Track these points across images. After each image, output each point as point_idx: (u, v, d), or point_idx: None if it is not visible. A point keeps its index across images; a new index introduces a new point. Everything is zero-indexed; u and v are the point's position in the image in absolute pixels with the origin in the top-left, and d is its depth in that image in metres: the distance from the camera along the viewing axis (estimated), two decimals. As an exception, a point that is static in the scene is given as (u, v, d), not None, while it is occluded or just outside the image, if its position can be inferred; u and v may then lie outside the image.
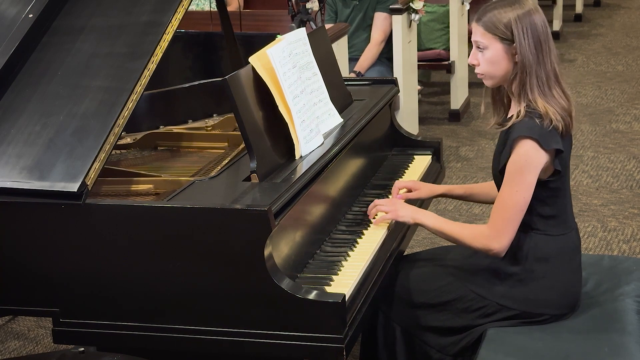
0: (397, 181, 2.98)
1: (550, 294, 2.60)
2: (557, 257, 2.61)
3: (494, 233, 2.53)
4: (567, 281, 2.63)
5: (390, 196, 2.94)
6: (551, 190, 2.57)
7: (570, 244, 2.65)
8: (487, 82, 2.61)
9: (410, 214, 2.68)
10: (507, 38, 2.51)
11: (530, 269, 2.59)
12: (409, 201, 2.88)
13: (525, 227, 2.58)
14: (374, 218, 2.74)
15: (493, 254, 2.55)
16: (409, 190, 2.93)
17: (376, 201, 2.74)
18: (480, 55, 2.57)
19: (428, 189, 2.95)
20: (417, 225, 2.73)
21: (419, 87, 6.15)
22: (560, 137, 2.52)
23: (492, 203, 2.89)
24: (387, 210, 2.69)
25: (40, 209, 2.36)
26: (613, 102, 6.78)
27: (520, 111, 2.52)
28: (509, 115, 2.60)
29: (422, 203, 3.02)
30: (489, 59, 2.55)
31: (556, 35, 8.88)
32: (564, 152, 2.53)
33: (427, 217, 2.67)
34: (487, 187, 2.92)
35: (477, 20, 2.56)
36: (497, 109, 2.68)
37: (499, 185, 2.60)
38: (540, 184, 2.54)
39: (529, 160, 2.48)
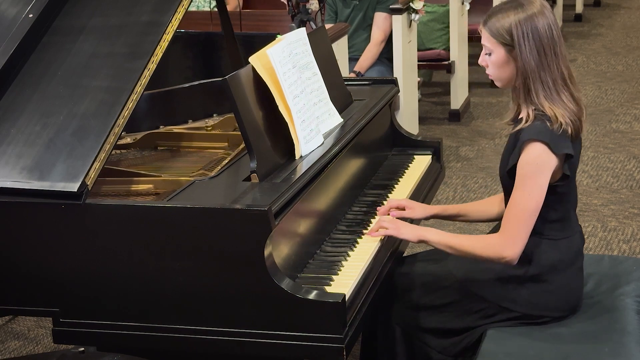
0: (390, 199, 2.88)
1: (552, 297, 2.59)
2: (560, 260, 2.59)
3: (506, 240, 2.49)
4: (569, 284, 2.62)
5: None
6: (558, 195, 2.55)
7: (574, 248, 2.63)
8: (497, 84, 2.60)
9: (413, 232, 2.63)
10: (508, 43, 2.49)
11: (533, 272, 2.58)
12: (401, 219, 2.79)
13: (530, 230, 2.57)
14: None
15: (506, 262, 2.51)
16: (402, 209, 2.83)
17: (380, 219, 2.69)
18: (487, 58, 2.56)
19: (422, 209, 2.85)
20: (421, 242, 2.66)
21: (419, 79, 6.13)
22: (570, 141, 2.50)
23: (486, 221, 2.86)
24: (388, 227, 2.64)
25: (40, 209, 2.35)
26: (613, 102, 6.79)
27: (529, 114, 2.50)
28: (519, 118, 2.57)
29: (411, 222, 2.88)
30: (494, 62, 2.54)
31: (556, 35, 8.87)
32: (573, 157, 2.51)
33: (431, 234, 2.62)
34: (480, 205, 2.87)
35: (483, 23, 2.55)
36: (515, 107, 2.63)
37: (505, 186, 2.58)
38: (548, 189, 2.50)
39: (540, 163, 2.45)
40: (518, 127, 2.52)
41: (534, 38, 2.47)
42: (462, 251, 2.57)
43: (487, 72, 2.60)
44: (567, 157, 2.50)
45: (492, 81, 2.65)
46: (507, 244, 2.49)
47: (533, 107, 2.50)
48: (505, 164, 2.58)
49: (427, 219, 2.89)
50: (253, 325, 2.28)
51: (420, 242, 2.65)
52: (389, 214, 2.79)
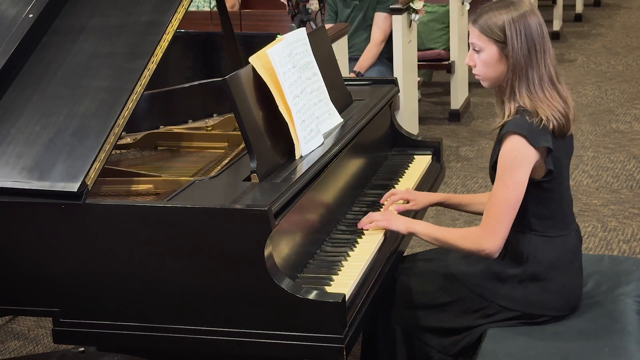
0: (391, 190, 2.91)
1: (551, 296, 2.59)
2: (557, 259, 2.60)
3: (486, 232, 2.52)
4: (568, 283, 2.62)
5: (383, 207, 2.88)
6: (546, 191, 2.56)
7: (570, 246, 2.64)
8: (484, 84, 2.62)
9: (403, 224, 2.67)
10: (501, 40, 2.52)
11: (531, 271, 2.59)
12: (403, 212, 2.83)
13: (524, 228, 2.58)
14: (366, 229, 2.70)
15: (485, 254, 2.53)
16: (406, 201, 2.87)
17: (370, 214, 2.72)
18: (476, 56, 2.58)
19: (424, 198, 2.88)
20: (410, 234, 2.70)
21: (419, 79, 6.13)
22: (553, 137, 2.51)
23: None
24: (380, 219, 2.67)
25: (40, 209, 2.35)
26: (613, 102, 6.79)
27: (511, 110, 2.53)
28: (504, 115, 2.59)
29: (416, 214, 2.95)
30: (484, 60, 2.56)
31: (556, 35, 8.88)
32: (555, 152, 2.52)
33: (419, 226, 2.66)
34: (484, 197, 2.87)
35: (473, 22, 2.57)
36: (500, 108, 2.66)
37: (493, 181, 2.59)
38: (534, 185, 2.53)
39: (517, 156, 2.48)
40: (501, 122, 2.55)
41: (526, 35, 2.50)
42: (445, 242, 2.60)
43: (473, 72, 2.61)
44: (548, 152, 2.51)
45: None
46: (487, 236, 2.51)
47: (516, 104, 2.53)
48: (491, 159, 2.61)
49: (431, 206, 2.92)
50: (253, 325, 2.28)
51: (410, 233, 2.68)
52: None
